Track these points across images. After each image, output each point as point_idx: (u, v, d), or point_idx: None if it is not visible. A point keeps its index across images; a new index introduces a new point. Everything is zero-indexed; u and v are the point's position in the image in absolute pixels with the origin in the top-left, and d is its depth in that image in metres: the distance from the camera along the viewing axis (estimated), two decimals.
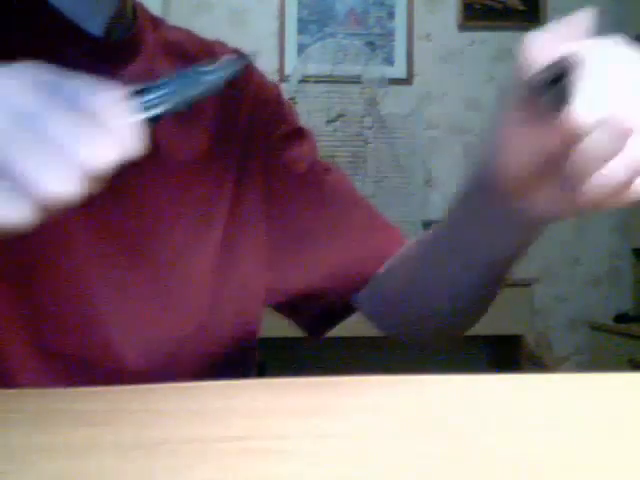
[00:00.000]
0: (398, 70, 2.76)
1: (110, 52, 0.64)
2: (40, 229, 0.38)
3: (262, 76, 0.76)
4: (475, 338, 2.54)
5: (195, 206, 0.68)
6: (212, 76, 0.45)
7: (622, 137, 0.42)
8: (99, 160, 0.37)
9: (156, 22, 0.72)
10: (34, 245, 0.58)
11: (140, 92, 0.42)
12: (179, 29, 0.75)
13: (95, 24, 0.63)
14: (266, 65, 2.69)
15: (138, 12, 0.68)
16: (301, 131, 0.76)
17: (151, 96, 0.42)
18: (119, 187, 0.58)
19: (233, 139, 0.71)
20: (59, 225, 0.53)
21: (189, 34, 0.75)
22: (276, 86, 0.78)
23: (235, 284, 0.69)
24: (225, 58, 0.47)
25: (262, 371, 2.53)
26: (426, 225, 2.45)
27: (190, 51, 0.71)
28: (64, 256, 0.60)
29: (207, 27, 2.61)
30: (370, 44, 2.75)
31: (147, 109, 0.42)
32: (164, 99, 0.43)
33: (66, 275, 0.61)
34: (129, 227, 0.64)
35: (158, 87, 0.43)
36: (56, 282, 0.60)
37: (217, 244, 0.68)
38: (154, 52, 0.68)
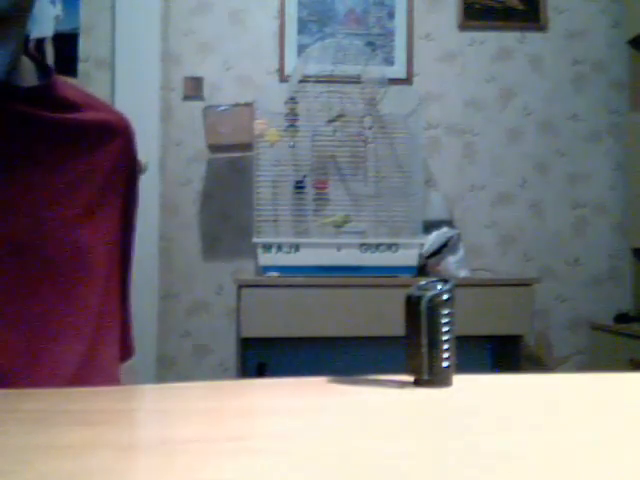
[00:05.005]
0: (398, 70, 2.76)
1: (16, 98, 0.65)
2: None
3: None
4: (475, 338, 2.54)
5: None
6: None
7: None
8: None
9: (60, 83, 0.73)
10: None
11: None
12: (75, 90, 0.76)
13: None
14: (266, 65, 2.69)
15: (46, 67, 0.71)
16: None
17: None
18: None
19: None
20: None
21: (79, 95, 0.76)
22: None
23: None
24: None
25: (262, 371, 2.53)
26: (426, 225, 2.44)
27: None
28: None
29: (207, 27, 2.63)
30: (370, 44, 2.75)
31: None
32: None
33: None
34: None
35: None
36: None
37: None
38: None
